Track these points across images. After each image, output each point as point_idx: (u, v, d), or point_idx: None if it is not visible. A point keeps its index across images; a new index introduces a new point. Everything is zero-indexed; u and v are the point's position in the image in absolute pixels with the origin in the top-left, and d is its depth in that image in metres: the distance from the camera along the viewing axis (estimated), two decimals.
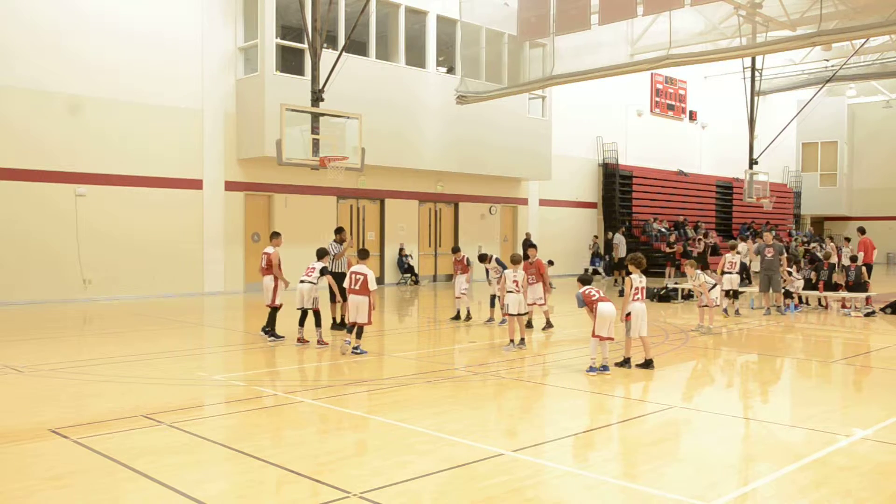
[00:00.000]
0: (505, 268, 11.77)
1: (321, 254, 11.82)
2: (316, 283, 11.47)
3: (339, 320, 13.10)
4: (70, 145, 17.79)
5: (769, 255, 16.53)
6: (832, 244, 23.54)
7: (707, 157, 36.44)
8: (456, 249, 15.52)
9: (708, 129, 36.41)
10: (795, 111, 37.23)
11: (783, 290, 17.21)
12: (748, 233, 33.19)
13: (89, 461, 5.80)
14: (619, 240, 27.10)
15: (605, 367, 9.41)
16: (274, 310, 12.04)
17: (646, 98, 33.26)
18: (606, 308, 9.43)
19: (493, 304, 14.38)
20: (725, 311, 16.01)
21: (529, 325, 13.15)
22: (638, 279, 9.70)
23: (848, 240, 22.37)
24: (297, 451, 6.17)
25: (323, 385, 9.19)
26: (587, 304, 9.57)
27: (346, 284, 10.74)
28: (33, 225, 17.30)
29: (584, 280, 10.04)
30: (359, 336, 10.78)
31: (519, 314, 11.35)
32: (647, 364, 9.69)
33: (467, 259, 14.93)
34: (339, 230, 13.73)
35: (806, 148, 43.86)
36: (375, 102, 20.98)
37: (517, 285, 11.27)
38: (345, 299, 12.11)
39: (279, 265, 12.03)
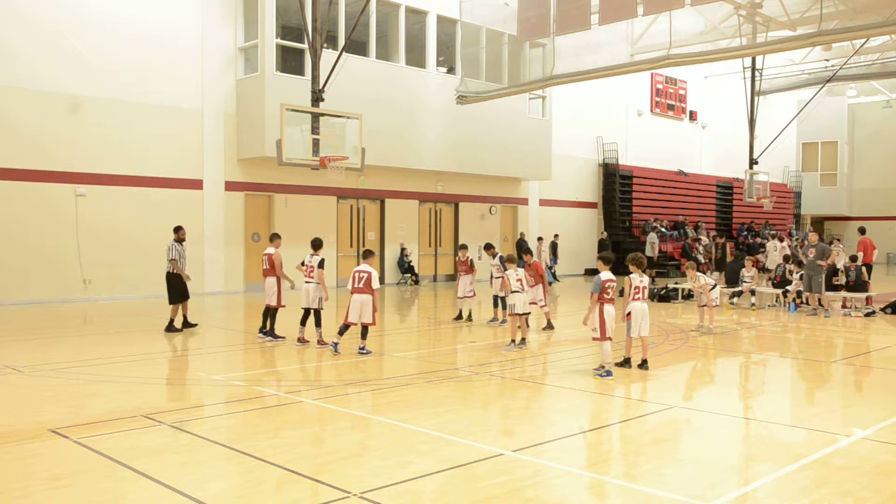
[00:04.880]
0: (506, 268, 11.78)
1: (316, 244, 11.74)
2: (318, 283, 11.45)
3: (175, 320, 13.04)
4: (70, 145, 17.79)
5: (811, 255, 16.31)
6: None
7: (707, 157, 36.44)
8: (463, 247, 15.48)
9: (708, 129, 36.42)
10: (795, 111, 37.24)
11: (784, 290, 17.23)
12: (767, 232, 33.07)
13: (89, 461, 5.80)
14: (653, 238, 27.00)
15: (608, 373, 9.34)
16: (271, 310, 12.04)
17: (646, 98, 33.25)
18: (612, 309, 9.40)
19: (496, 305, 14.36)
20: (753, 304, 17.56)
21: (526, 323, 13.14)
22: (638, 279, 9.68)
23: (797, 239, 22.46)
24: (297, 451, 6.17)
25: (323, 385, 9.19)
26: (602, 292, 9.25)
27: (348, 284, 10.73)
28: (33, 225, 17.30)
29: (607, 260, 9.54)
30: (364, 336, 10.78)
31: (525, 314, 11.36)
32: (642, 364, 9.68)
33: (471, 260, 14.92)
34: (178, 229, 13.35)
35: (806, 148, 43.87)
36: (375, 102, 20.98)
37: (521, 284, 11.30)
38: (186, 298, 13.05)
39: (281, 265, 12.06)
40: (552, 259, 28.03)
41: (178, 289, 13.04)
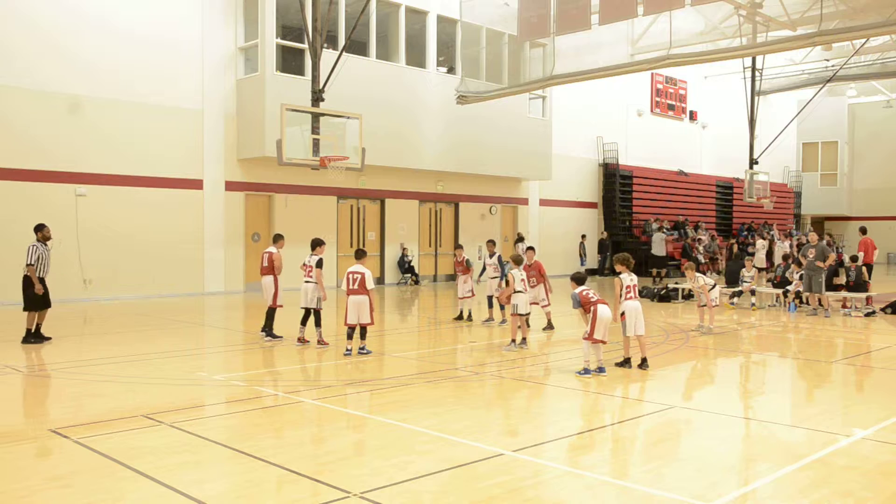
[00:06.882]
0: (505, 270, 11.79)
1: (315, 244, 11.70)
2: (316, 283, 11.45)
3: (33, 329, 11.79)
4: (70, 145, 17.79)
5: (811, 255, 16.24)
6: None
7: (707, 157, 36.43)
8: (459, 247, 15.55)
9: (708, 129, 36.40)
10: (796, 111, 37.24)
11: (784, 290, 17.22)
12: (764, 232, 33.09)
13: (89, 461, 5.80)
14: (660, 238, 26.97)
15: (601, 370, 9.36)
16: (272, 310, 12.04)
17: (646, 98, 33.24)
18: (605, 311, 9.37)
19: (491, 305, 14.37)
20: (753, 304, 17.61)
21: (526, 323, 13.16)
22: (628, 278, 9.70)
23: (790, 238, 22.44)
24: (297, 451, 6.17)
25: (323, 385, 9.19)
26: (583, 305, 9.50)
27: (343, 286, 10.72)
28: (33, 225, 17.24)
29: (579, 279, 9.92)
30: (363, 336, 10.78)
31: (526, 314, 11.36)
32: (642, 363, 9.68)
33: (468, 260, 14.94)
34: (40, 227, 12.13)
35: (806, 148, 43.87)
36: (375, 102, 20.97)
37: (524, 284, 11.31)
38: (48, 306, 11.84)
39: (280, 266, 12.07)
40: (581, 260, 28.66)
41: (34, 295, 11.75)
